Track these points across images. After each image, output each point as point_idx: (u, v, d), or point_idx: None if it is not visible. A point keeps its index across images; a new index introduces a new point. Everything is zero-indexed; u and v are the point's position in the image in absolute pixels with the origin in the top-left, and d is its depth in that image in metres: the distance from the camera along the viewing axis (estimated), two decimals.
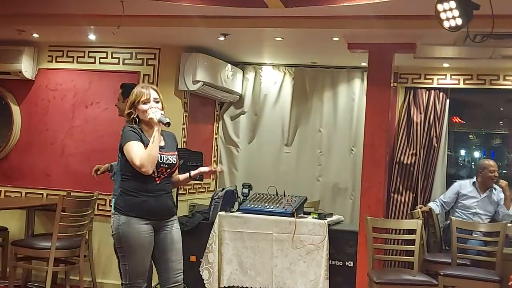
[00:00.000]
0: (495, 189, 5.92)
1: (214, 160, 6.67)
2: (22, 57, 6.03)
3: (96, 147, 6.00)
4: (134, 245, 3.49)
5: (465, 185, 6.02)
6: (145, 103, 3.57)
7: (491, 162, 5.98)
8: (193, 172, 3.82)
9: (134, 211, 3.51)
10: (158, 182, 3.57)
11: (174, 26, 5.07)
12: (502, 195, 5.87)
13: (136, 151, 3.46)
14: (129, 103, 3.62)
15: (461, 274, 4.80)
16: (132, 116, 3.61)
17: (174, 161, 3.65)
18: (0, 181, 6.25)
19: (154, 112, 3.55)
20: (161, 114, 3.58)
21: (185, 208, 5.93)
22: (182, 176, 3.84)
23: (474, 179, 5.99)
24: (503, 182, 5.88)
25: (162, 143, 3.63)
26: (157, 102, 3.62)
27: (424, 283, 4.68)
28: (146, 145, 3.51)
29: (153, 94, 3.61)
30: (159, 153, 3.53)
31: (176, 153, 3.71)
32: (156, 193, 3.56)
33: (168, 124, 3.58)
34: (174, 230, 3.68)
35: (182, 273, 3.67)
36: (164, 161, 3.57)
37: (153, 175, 3.53)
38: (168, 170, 3.61)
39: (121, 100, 5.19)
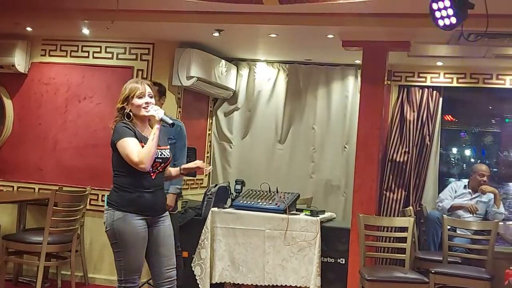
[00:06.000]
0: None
1: (207, 156, 6.67)
2: (15, 50, 5.99)
3: (89, 141, 5.98)
4: (129, 241, 3.47)
5: (460, 186, 6.11)
6: (139, 97, 3.53)
7: (483, 167, 6.01)
8: (183, 166, 3.82)
9: (130, 206, 3.48)
10: (153, 177, 3.55)
11: (169, 21, 5.05)
12: (492, 195, 5.91)
13: (133, 148, 3.43)
14: (122, 97, 3.56)
15: (452, 272, 4.83)
16: (124, 111, 3.55)
17: (168, 155, 3.64)
18: None
19: (156, 110, 3.53)
20: (163, 113, 3.54)
21: (178, 204, 5.91)
22: (173, 170, 3.83)
23: (467, 181, 6.08)
24: (487, 188, 5.86)
25: None
26: (151, 97, 3.58)
27: (415, 280, 4.69)
28: (140, 140, 3.48)
29: (148, 89, 3.57)
30: None
31: (168, 147, 3.70)
32: (152, 189, 3.54)
33: (172, 125, 3.56)
34: (166, 225, 3.67)
35: (174, 269, 3.66)
36: (159, 156, 3.54)
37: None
38: (162, 165, 3.59)
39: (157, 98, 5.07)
